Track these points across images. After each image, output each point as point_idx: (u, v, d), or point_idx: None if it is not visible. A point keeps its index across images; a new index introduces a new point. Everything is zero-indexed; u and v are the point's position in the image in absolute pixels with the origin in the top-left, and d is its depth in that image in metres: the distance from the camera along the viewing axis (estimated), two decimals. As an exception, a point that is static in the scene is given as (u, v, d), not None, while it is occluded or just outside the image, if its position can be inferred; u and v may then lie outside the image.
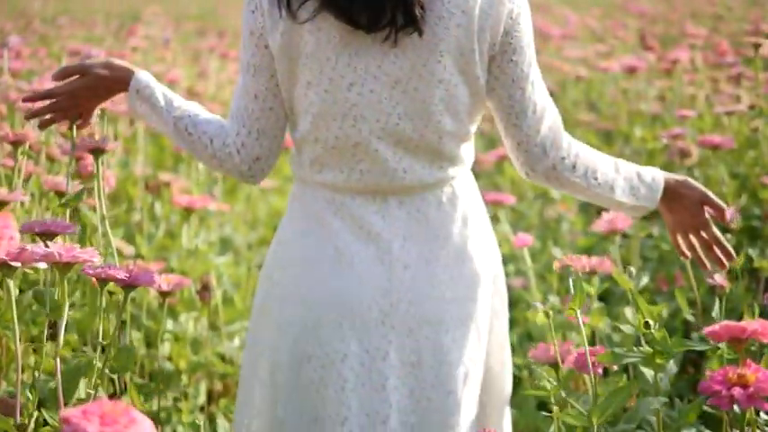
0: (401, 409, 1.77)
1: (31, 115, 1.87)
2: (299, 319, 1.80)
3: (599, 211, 3.79)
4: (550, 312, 1.78)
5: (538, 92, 1.79)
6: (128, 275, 1.66)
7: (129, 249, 2.48)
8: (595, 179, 1.83)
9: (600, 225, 2.33)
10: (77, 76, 1.83)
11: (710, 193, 1.91)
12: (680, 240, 1.93)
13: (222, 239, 3.32)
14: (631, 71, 3.83)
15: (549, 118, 1.80)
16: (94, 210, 2.00)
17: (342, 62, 1.72)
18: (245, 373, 1.89)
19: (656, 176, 1.88)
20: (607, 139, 4.25)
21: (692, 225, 1.91)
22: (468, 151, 1.82)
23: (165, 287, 2.02)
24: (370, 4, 1.67)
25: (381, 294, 1.77)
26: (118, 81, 1.83)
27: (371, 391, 1.77)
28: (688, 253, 1.93)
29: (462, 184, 1.83)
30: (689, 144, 3.16)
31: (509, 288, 2.13)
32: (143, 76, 1.84)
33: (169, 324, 2.66)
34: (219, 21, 11.60)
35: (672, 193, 1.89)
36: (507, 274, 2.59)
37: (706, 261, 1.92)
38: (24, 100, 1.90)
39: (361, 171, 1.76)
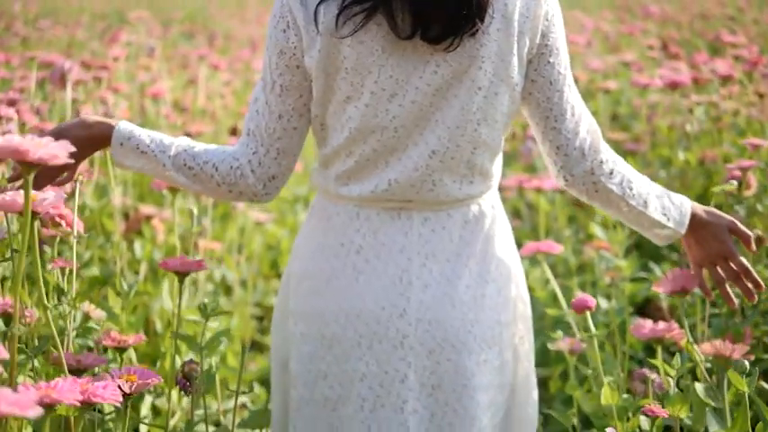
0: None
1: (11, 179, 1.81)
2: (315, 334, 1.78)
3: (640, 245, 3.39)
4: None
5: (574, 95, 1.76)
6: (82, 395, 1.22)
7: (98, 313, 2.03)
8: (630, 189, 1.78)
9: (665, 285, 1.86)
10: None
11: (738, 222, 1.84)
12: (705, 274, 1.86)
13: (215, 291, 2.85)
14: (673, 87, 3.37)
15: (587, 121, 1.77)
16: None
17: (384, 74, 1.68)
18: (272, 390, 1.91)
19: (685, 201, 1.83)
20: (642, 162, 3.79)
21: (720, 254, 1.84)
22: (497, 167, 1.80)
23: (125, 389, 1.58)
24: (450, 19, 1.63)
25: (399, 314, 1.74)
26: (98, 139, 1.79)
27: (390, 413, 1.74)
28: (711, 292, 1.87)
29: (488, 202, 1.80)
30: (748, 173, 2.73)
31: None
32: (123, 126, 1.79)
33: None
34: (208, 22, 11.18)
35: (699, 220, 1.83)
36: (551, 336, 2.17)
37: (732, 295, 1.85)
38: (10, 180, 1.82)
39: (390, 181, 1.73)
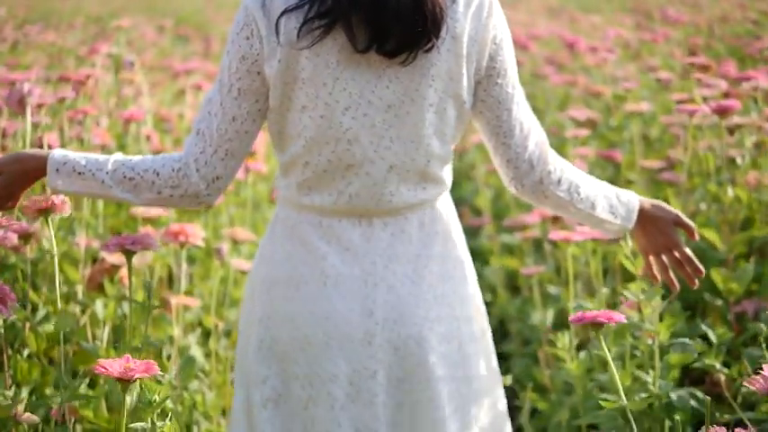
0: (391, 423, 1.83)
1: None
2: (285, 337, 1.85)
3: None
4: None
5: (523, 111, 1.87)
6: None
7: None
8: (578, 194, 1.91)
9: (759, 384, 1.44)
10: None
11: (682, 215, 2.01)
12: (651, 261, 2.03)
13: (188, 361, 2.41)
14: (722, 113, 2.92)
15: (536, 135, 1.89)
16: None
17: (338, 87, 1.75)
18: (234, 402, 1.93)
19: (632, 198, 1.98)
20: (682, 195, 3.33)
21: (665, 245, 2.01)
22: (448, 173, 1.89)
23: None
24: (406, 33, 1.69)
25: (367, 315, 1.82)
26: (33, 171, 1.84)
27: (361, 407, 1.82)
28: (659, 275, 2.04)
29: (443, 204, 1.90)
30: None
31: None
32: (57, 153, 1.83)
33: None
34: (204, 26, 10.75)
35: (647, 215, 1.98)
36: None
37: (675, 280, 2.03)
38: None
39: (350, 195, 1.81)
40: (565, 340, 2.24)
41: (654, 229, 1.99)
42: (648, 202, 2.00)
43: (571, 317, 1.78)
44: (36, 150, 1.87)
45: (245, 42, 1.76)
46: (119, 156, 1.84)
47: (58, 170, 1.82)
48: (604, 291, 2.32)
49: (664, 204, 2.01)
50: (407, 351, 1.83)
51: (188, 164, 1.79)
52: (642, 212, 1.97)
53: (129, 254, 1.82)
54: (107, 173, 1.81)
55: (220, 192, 1.83)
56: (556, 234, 2.44)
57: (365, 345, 1.82)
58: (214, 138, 1.78)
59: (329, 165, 1.79)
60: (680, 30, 6.75)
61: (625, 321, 1.76)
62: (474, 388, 1.91)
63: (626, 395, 1.97)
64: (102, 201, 2.83)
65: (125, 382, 1.49)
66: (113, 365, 1.48)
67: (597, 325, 1.75)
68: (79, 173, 1.81)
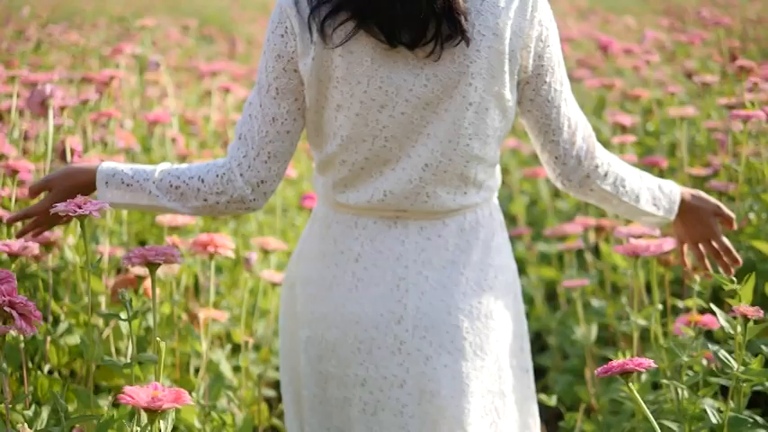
0: None
1: (20, 234, 1.90)
2: (319, 338, 1.83)
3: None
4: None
5: (571, 107, 1.84)
6: None
7: None
8: (623, 187, 1.89)
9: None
10: (47, 191, 1.86)
11: (722, 205, 1.97)
12: (686, 250, 2.02)
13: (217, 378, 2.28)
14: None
15: (583, 129, 1.85)
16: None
17: (373, 85, 1.71)
18: (282, 390, 1.96)
19: (674, 189, 1.95)
20: (727, 203, 3.17)
21: (704, 235, 1.98)
22: (493, 178, 1.85)
23: None
24: (411, 20, 1.65)
25: (396, 321, 1.78)
26: (84, 185, 1.83)
27: (390, 416, 1.78)
28: (688, 262, 2.03)
29: (486, 211, 1.85)
30: None
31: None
32: (105, 165, 1.82)
33: None
34: (229, 26, 10.64)
35: (687, 206, 1.96)
36: None
37: (710, 268, 2.01)
38: (8, 221, 1.94)
39: (385, 192, 1.77)
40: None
41: (693, 219, 1.96)
42: (689, 192, 1.98)
43: (597, 371, 1.60)
44: (85, 164, 1.86)
45: (279, 40, 1.73)
46: (165, 165, 1.82)
47: (107, 183, 1.81)
48: (659, 307, 2.16)
49: (703, 194, 1.99)
50: (440, 362, 1.77)
51: (232, 169, 1.77)
52: (683, 203, 1.95)
53: (152, 266, 1.70)
54: (153, 182, 1.79)
55: (267, 196, 1.80)
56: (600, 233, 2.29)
57: (394, 351, 1.78)
58: (255, 140, 1.76)
59: (366, 162, 1.76)
60: (712, 32, 6.58)
61: (656, 367, 1.58)
62: (509, 403, 1.86)
63: (688, 420, 1.83)
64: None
65: (153, 412, 1.36)
66: (140, 394, 1.36)
67: (626, 373, 1.56)
68: (127, 184, 1.80)
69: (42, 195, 1.91)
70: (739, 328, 1.82)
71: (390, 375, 1.78)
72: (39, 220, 1.89)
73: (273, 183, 1.79)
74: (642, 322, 2.25)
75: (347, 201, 1.80)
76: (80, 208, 1.64)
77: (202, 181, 1.78)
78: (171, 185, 1.79)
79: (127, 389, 1.36)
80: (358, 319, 1.79)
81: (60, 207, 1.66)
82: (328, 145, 1.78)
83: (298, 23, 1.71)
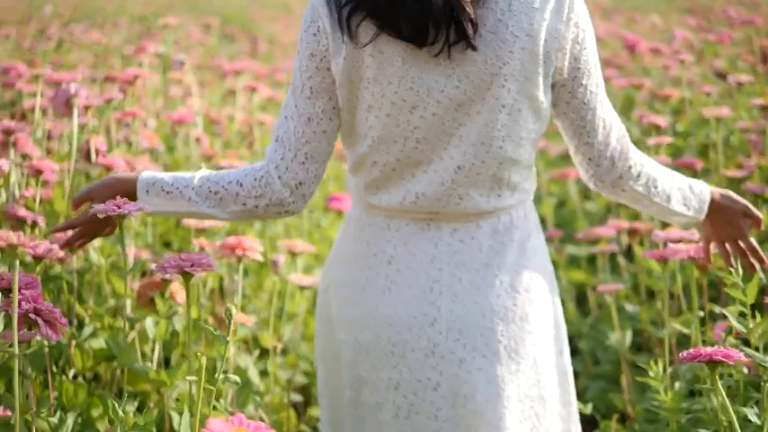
0: None
1: (65, 244, 1.91)
2: (353, 341, 1.82)
3: None
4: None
5: (606, 108, 1.82)
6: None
7: None
8: (655, 188, 1.88)
9: None
10: (89, 202, 1.86)
11: (751, 206, 1.96)
12: (712, 249, 2.00)
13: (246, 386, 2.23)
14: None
15: (617, 130, 1.84)
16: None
17: (404, 85, 1.70)
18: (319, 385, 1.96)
19: (704, 189, 1.94)
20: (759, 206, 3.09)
21: (731, 235, 1.96)
22: (528, 180, 1.83)
23: None
24: (411, 17, 1.65)
25: (429, 323, 1.76)
26: (124, 195, 1.81)
27: (425, 419, 1.76)
28: (713, 260, 2.02)
29: (521, 213, 1.83)
30: None
31: None
32: (145, 174, 1.84)
33: None
34: (250, 25, 10.61)
35: (716, 205, 1.94)
36: None
37: (735, 267, 1.93)
38: (53, 232, 1.94)
39: (417, 194, 1.76)
40: (658, 369, 2.02)
41: (722, 219, 1.95)
42: (718, 191, 1.97)
43: (683, 354, 1.55)
44: (125, 174, 1.87)
45: (312, 39, 1.73)
46: (204, 171, 1.82)
47: (147, 191, 1.81)
48: (700, 314, 2.10)
49: (732, 194, 1.98)
50: (474, 365, 1.75)
51: (269, 171, 1.76)
52: (712, 203, 1.94)
53: (187, 276, 1.65)
54: (193, 189, 1.79)
55: (305, 198, 1.78)
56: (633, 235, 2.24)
57: (428, 354, 1.76)
58: (292, 141, 1.75)
59: (398, 163, 1.75)
60: (740, 31, 6.49)
61: (745, 360, 1.54)
62: (549, 408, 1.83)
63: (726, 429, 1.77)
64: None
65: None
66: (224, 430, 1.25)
67: (713, 364, 1.52)
68: (167, 192, 1.80)
69: (84, 207, 1.91)
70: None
71: (424, 378, 1.77)
72: (82, 231, 1.90)
73: (312, 184, 1.77)
74: (680, 328, 2.19)
75: (379, 202, 1.79)
76: (119, 208, 1.65)
77: (241, 185, 1.77)
78: (210, 191, 1.79)
79: (212, 425, 1.26)
80: (391, 322, 1.78)
81: (100, 207, 1.68)
82: (359, 146, 1.77)
83: (329, 22, 1.70)
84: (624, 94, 5.33)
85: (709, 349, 1.52)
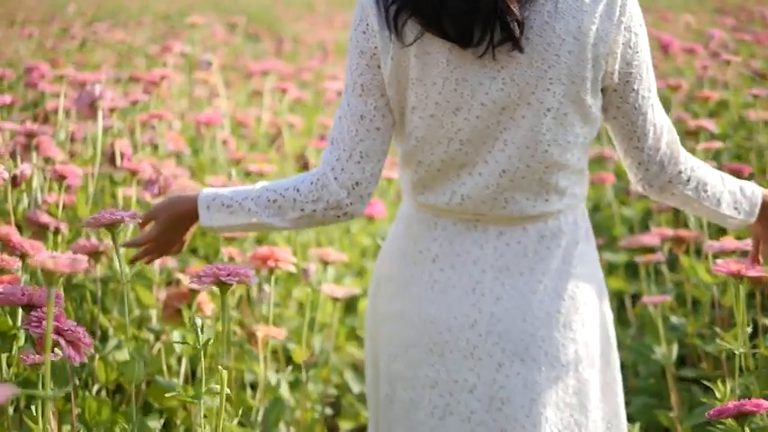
0: None
1: (133, 260, 1.91)
2: (395, 337, 1.82)
3: None
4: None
5: (657, 113, 1.78)
6: None
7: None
8: (705, 192, 1.85)
9: None
10: (153, 222, 1.87)
11: None
12: (761, 247, 1.94)
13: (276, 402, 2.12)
14: None
15: (667, 134, 1.80)
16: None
17: (448, 87, 1.69)
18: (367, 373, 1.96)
19: (756, 191, 1.90)
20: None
21: None
22: (578, 185, 1.81)
23: None
24: (456, 17, 1.63)
25: (469, 325, 1.76)
26: (187, 213, 1.84)
27: (458, 421, 1.75)
28: (759, 261, 1.94)
29: (569, 218, 1.81)
30: None
31: None
32: (206, 191, 1.83)
33: None
34: (275, 25, 10.52)
35: (767, 206, 1.90)
36: None
37: None
38: (124, 245, 1.92)
39: (462, 196, 1.75)
40: (726, 389, 1.88)
41: None
42: None
43: (711, 412, 1.41)
44: (186, 193, 1.88)
45: (362, 37, 1.72)
46: (263, 183, 1.82)
47: (208, 207, 1.81)
48: (748, 330, 1.97)
49: None
50: (512, 369, 1.73)
51: (325, 174, 1.74)
52: (765, 206, 1.91)
53: (223, 287, 1.55)
54: (252, 200, 1.78)
55: (363, 199, 1.76)
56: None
57: (467, 356, 1.75)
58: (346, 141, 1.74)
59: (442, 164, 1.74)
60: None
61: None
62: (593, 418, 1.79)
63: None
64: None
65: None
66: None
67: (742, 416, 1.36)
68: (227, 206, 1.79)
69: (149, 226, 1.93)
70: None
71: (461, 379, 1.75)
72: (148, 249, 1.90)
73: (369, 184, 1.75)
74: (725, 345, 2.06)
75: (426, 201, 1.79)
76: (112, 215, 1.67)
77: (298, 190, 1.76)
78: (269, 200, 1.78)
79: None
80: (433, 320, 1.77)
81: (87, 219, 1.74)
82: (405, 145, 1.78)
83: (377, 21, 1.70)
84: (660, 95, 5.21)
85: (736, 402, 1.37)
